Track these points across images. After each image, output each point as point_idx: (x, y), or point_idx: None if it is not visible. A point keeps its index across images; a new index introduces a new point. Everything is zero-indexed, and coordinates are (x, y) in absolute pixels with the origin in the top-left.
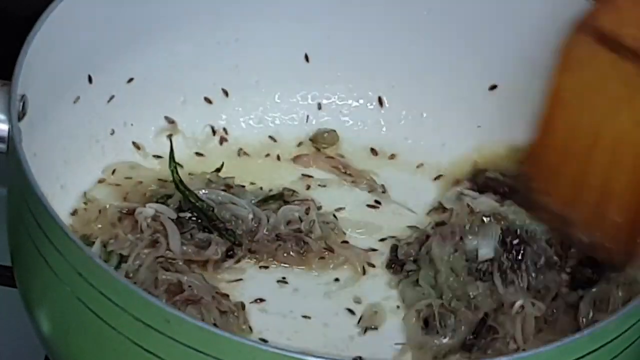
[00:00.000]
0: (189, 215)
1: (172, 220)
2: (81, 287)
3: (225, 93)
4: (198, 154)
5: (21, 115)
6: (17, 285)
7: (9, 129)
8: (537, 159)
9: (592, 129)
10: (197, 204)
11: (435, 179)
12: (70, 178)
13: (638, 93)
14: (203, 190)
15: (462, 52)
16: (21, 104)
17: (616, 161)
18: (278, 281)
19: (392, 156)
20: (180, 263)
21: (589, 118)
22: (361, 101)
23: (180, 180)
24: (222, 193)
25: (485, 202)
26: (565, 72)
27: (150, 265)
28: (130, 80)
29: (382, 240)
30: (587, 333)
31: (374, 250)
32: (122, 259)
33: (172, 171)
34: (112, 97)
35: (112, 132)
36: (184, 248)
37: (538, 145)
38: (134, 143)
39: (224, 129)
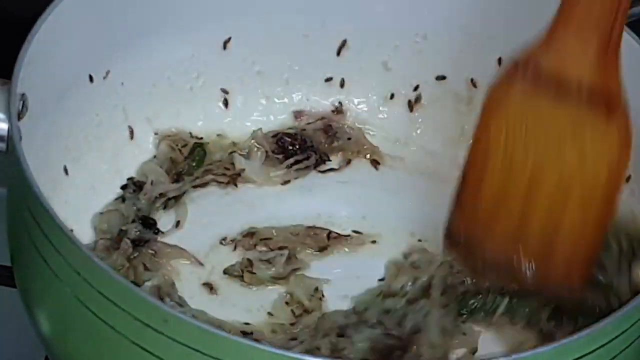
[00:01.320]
0: None
1: None
2: (80, 286)
3: (226, 93)
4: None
5: (21, 114)
6: (17, 285)
7: (8, 127)
8: (467, 210)
9: (533, 169)
10: None
11: None
12: (72, 177)
13: (581, 128)
14: None
15: None
16: (21, 102)
17: (562, 199)
18: None
19: None
20: None
21: (528, 158)
22: None
23: None
24: None
25: None
26: (499, 113)
27: None
28: (131, 80)
29: None
30: (586, 333)
31: None
32: None
33: None
34: (112, 97)
35: (113, 132)
36: None
37: (468, 194)
38: (134, 143)
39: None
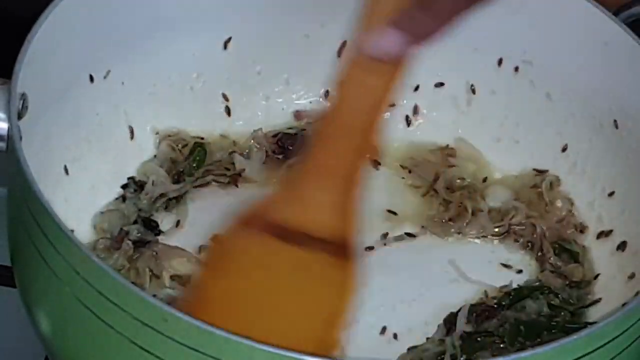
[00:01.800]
0: None
1: None
2: (79, 286)
3: (226, 96)
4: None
5: (21, 114)
6: (17, 285)
7: (8, 127)
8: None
9: (247, 322)
10: None
11: None
12: (72, 177)
13: (307, 283)
14: None
15: None
16: (21, 102)
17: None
18: None
19: None
20: None
21: (248, 315)
22: None
23: None
24: None
25: None
26: (222, 267)
27: None
28: (132, 79)
29: None
30: (586, 333)
31: None
32: None
33: None
34: (113, 97)
35: (113, 132)
36: None
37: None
38: (134, 143)
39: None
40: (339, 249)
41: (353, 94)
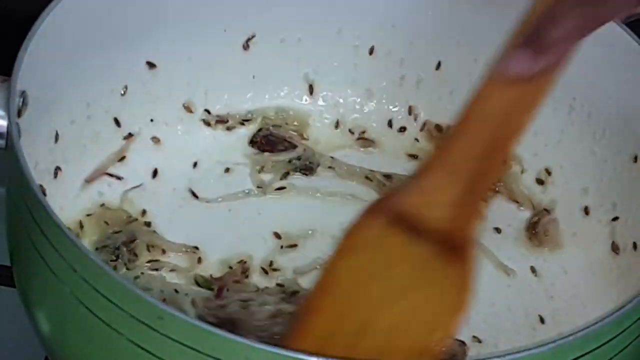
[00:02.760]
0: None
1: None
2: (78, 284)
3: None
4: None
5: (21, 112)
6: (17, 285)
7: (8, 125)
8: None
9: (364, 316)
10: None
11: None
12: (70, 175)
13: (424, 278)
14: None
15: None
16: (21, 100)
17: (386, 349)
18: None
19: None
20: None
21: (363, 305)
22: None
23: None
24: None
25: None
26: (348, 255)
27: None
28: (132, 78)
29: None
30: (582, 334)
31: None
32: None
33: None
34: (113, 95)
35: (113, 131)
36: None
37: (300, 328)
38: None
39: None
40: (459, 248)
41: (491, 106)
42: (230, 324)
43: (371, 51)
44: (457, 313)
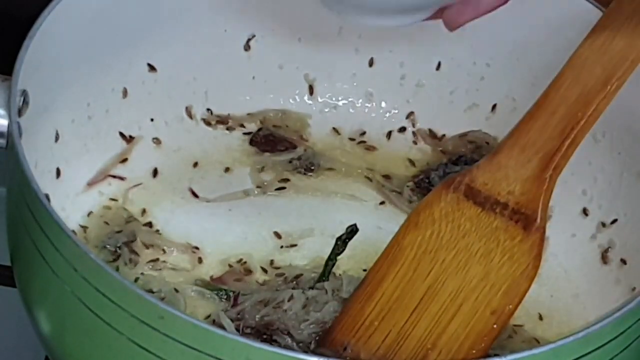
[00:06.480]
0: None
1: None
2: (78, 284)
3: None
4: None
5: (21, 111)
6: (17, 284)
7: (8, 124)
8: (354, 312)
9: (432, 282)
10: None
11: None
12: (70, 175)
13: (494, 249)
14: None
15: None
16: (21, 99)
17: (452, 310)
18: None
19: None
20: None
21: (432, 269)
22: None
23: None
24: None
25: None
26: (417, 229)
27: None
28: (132, 78)
29: None
30: (582, 335)
31: None
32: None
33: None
34: (113, 95)
35: (113, 130)
36: None
37: (361, 297)
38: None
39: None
40: (530, 220)
41: (567, 89)
42: (265, 328)
43: (371, 51)
44: (526, 280)
